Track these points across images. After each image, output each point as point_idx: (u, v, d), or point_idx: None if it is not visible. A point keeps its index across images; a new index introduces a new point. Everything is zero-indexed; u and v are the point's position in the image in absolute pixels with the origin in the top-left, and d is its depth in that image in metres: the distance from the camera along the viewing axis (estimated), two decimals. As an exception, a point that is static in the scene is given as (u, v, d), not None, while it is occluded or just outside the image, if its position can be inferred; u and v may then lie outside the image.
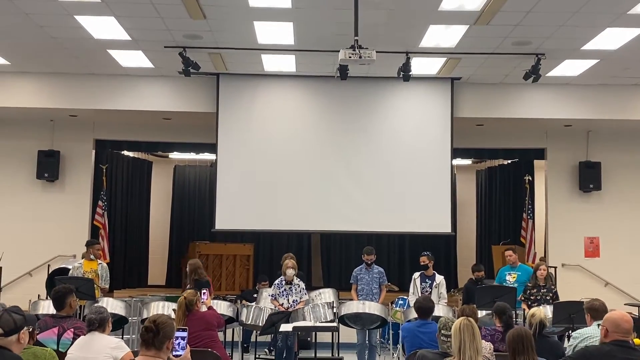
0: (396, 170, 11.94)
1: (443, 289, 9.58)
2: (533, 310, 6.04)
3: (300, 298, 9.18)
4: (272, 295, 9.29)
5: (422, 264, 9.61)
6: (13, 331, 3.98)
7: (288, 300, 9.14)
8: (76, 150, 12.96)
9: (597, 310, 5.55)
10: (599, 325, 4.94)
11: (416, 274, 9.72)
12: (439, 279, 9.61)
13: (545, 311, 8.19)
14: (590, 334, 5.40)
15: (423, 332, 6.37)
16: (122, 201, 14.58)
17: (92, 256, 9.62)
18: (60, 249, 12.31)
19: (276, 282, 9.37)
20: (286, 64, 11.24)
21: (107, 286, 9.63)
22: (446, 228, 12.09)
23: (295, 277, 9.31)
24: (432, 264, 9.67)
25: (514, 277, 9.83)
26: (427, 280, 9.55)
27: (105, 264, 9.82)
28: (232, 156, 11.93)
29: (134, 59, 10.92)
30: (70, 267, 10.48)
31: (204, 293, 7.96)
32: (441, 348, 4.96)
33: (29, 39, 9.98)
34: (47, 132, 12.86)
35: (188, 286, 8.80)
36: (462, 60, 10.79)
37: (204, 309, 7.68)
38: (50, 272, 11.32)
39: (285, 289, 9.21)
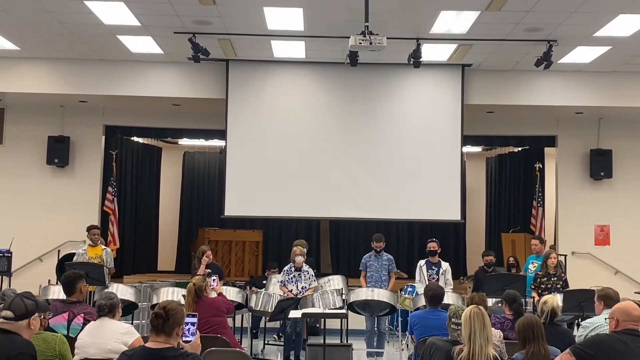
0: (406, 157, 11.91)
1: (449, 276, 9.60)
2: (546, 297, 6.01)
3: (309, 285, 9.19)
4: (281, 282, 9.30)
5: (432, 249, 9.60)
6: (24, 316, 4.00)
7: (297, 286, 9.16)
8: (86, 136, 12.98)
9: (612, 298, 5.53)
10: (606, 319, 4.92)
11: (422, 262, 9.72)
12: (445, 265, 9.62)
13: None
14: (600, 323, 5.38)
15: (433, 319, 6.36)
16: (132, 187, 14.61)
17: (90, 241, 9.70)
18: (70, 235, 12.34)
19: (285, 268, 9.38)
20: (296, 50, 11.20)
21: (112, 266, 9.74)
22: (456, 215, 12.06)
23: (304, 264, 9.32)
24: (439, 250, 9.71)
25: (534, 266, 9.83)
26: (433, 267, 9.55)
27: (109, 250, 9.88)
28: (242, 142, 11.92)
29: (143, 44, 10.90)
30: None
31: (213, 280, 7.99)
32: (451, 336, 4.95)
33: (39, 25, 9.98)
34: (57, 118, 12.88)
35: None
36: (473, 46, 10.72)
37: (213, 294, 7.70)
38: (60, 257, 11.36)
39: (294, 276, 9.23)
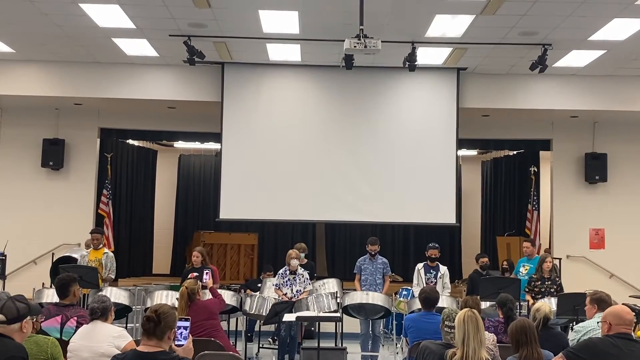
0: (401, 161, 11.91)
1: (447, 279, 9.60)
2: (538, 304, 6.00)
3: (304, 288, 9.18)
4: (276, 285, 9.30)
5: (433, 256, 9.56)
6: (16, 319, 3.98)
7: (292, 290, 9.15)
8: (81, 139, 12.96)
9: (605, 302, 5.55)
10: (598, 323, 4.92)
11: (420, 265, 9.70)
12: (443, 269, 9.61)
13: (550, 303, 8.19)
14: (593, 327, 5.38)
15: (427, 322, 6.35)
16: (127, 190, 14.57)
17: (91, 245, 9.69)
18: (65, 238, 12.33)
19: (280, 271, 9.38)
20: (291, 53, 11.20)
21: (113, 276, 9.63)
22: (451, 219, 12.07)
23: (299, 267, 9.31)
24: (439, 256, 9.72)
25: (526, 269, 9.85)
26: (431, 271, 9.54)
27: (111, 253, 9.82)
28: (237, 145, 11.91)
29: (138, 47, 10.89)
30: (74, 255, 10.53)
31: (206, 273, 8.01)
32: (444, 339, 4.95)
33: (34, 27, 9.96)
34: (52, 121, 12.85)
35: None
36: (469, 50, 10.73)
37: (208, 295, 7.70)
38: (54, 260, 11.34)
39: (289, 279, 9.22)
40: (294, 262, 9.21)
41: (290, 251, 9.40)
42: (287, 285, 9.20)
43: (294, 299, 8.93)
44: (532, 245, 10.30)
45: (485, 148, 15.34)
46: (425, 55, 10.82)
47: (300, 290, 9.14)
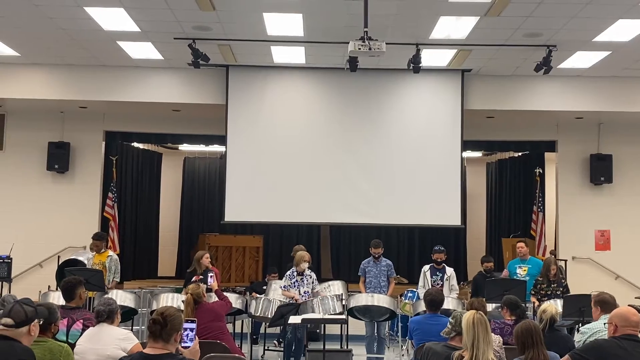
0: (406, 163, 11.90)
1: (454, 281, 9.60)
2: (544, 305, 5.98)
3: (311, 289, 9.16)
4: (284, 287, 9.28)
5: (439, 260, 9.56)
6: (24, 323, 3.98)
7: (299, 291, 9.12)
8: (86, 142, 12.98)
9: (609, 303, 5.53)
10: (604, 324, 4.92)
11: (426, 267, 9.70)
12: (450, 271, 9.60)
13: (556, 305, 8.18)
14: (599, 328, 5.37)
15: (432, 325, 6.34)
16: (132, 193, 14.60)
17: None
18: (71, 241, 12.34)
19: (287, 273, 9.36)
20: (296, 55, 11.21)
21: (117, 280, 9.66)
22: (456, 221, 12.05)
23: (306, 269, 9.30)
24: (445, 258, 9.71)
25: (524, 270, 9.78)
26: (437, 273, 9.53)
27: (115, 256, 9.84)
28: (242, 148, 11.92)
29: (143, 50, 10.91)
30: (80, 258, 10.54)
31: (210, 276, 8.01)
32: (444, 332, 4.96)
33: (39, 31, 9.99)
34: (58, 124, 12.88)
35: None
36: (473, 52, 10.72)
37: (213, 298, 7.71)
38: (60, 263, 11.36)
39: (296, 280, 9.20)
40: (304, 265, 9.19)
41: (304, 253, 9.36)
42: (294, 286, 9.18)
43: (300, 301, 8.92)
44: (526, 245, 10.23)
45: (490, 150, 15.33)
46: (430, 57, 10.82)
47: (307, 292, 9.13)
